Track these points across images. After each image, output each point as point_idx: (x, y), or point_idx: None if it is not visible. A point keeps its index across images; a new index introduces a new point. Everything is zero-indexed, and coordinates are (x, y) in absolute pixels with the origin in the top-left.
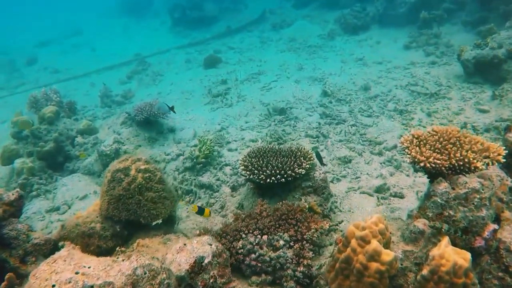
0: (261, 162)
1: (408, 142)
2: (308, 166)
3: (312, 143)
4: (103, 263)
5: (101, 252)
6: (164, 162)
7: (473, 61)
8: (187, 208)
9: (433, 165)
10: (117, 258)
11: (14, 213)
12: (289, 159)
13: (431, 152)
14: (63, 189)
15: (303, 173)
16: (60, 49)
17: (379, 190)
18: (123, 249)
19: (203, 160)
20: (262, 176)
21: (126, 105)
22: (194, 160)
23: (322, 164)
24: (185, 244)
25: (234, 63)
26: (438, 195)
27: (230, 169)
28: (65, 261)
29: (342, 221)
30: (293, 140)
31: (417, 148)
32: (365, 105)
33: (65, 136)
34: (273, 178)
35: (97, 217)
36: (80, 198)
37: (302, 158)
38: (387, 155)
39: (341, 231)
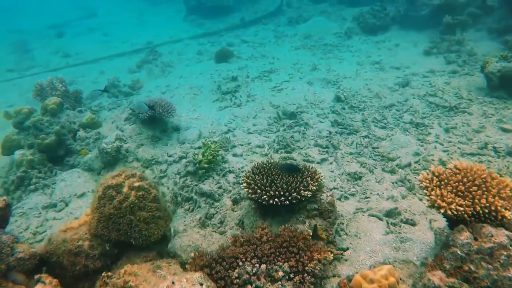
0: (264, 180)
1: (427, 181)
2: (314, 188)
3: (321, 154)
4: None
5: (87, 272)
6: (166, 163)
7: (498, 74)
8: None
9: (455, 212)
10: None
11: (0, 223)
12: (295, 179)
13: (453, 196)
14: (62, 185)
15: (309, 195)
16: (73, 32)
17: (389, 214)
18: (109, 274)
19: (206, 165)
20: (265, 196)
21: (133, 96)
22: (197, 165)
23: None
24: (173, 283)
25: (246, 58)
26: (458, 246)
27: (234, 177)
28: None
29: (348, 248)
30: (301, 148)
31: (438, 189)
32: (379, 115)
33: (67, 129)
34: (276, 199)
35: (85, 233)
36: (78, 195)
37: (309, 179)
38: (400, 174)
39: (346, 260)
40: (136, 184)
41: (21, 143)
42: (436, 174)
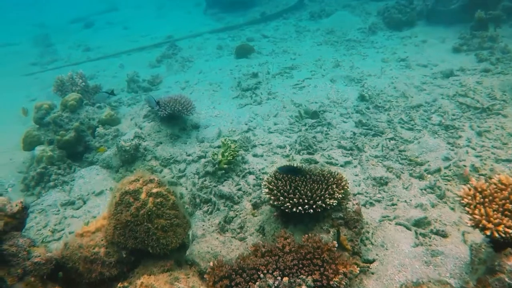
0: (288, 187)
1: (469, 197)
2: (340, 196)
3: (345, 156)
4: None
5: (103, 280)
6: (185, 163)
7: None
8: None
9: (503, 235)
10: None
11: (17, 226)
12: (320, 186)
13: (500, 215)
14: (80, 182)
15: (334, 204)
16: (95, 26)
17: (418, 223)
18: (125, 284)
19: (225, 166)
20: (288, 204)
21: (152, 92)
22: (216, 166)
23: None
24: None
25: (267, 54)
26: (506, 272)
27: (254, 179)
28: None
29: (374, 260)
30: (324, 150)
31: (482, 208)
32: (406, 116)
33: (86, 125)
34: (300, 208)
35: (101, 240)
36: (96, 193)
37: (334, 186)
38: (429, 180)
39: (373, 273)
40: (154, 190)
41: (41, 138)
42: (479, 189)
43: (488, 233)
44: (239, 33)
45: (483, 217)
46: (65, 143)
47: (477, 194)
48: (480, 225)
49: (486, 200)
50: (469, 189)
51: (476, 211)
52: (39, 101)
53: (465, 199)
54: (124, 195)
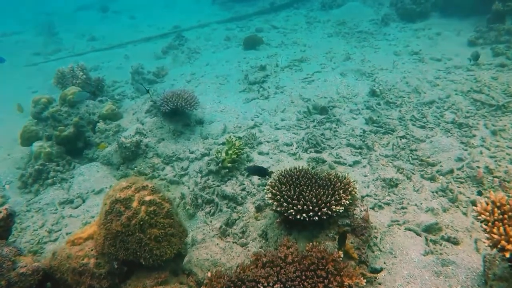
0: (292, 192)
1: (487, 213)
2: (347, 202)
3: (354, 155)
4: None
5: None
6: (188, 160)
7: None
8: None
9: None
10: None
11: (1, 234)
12: (326, 191)
13: None
14: (80, 179)
15: (341, 211)
16: (100, 15)
17: (428, 229)
18: None
19: (229, 165)
20: (291, 211)
21: (157, 84)
22: (220, 164)
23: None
24: None
25: (276, 45)
26: None
27: (258, 179)
28: None
29: (382, 269)
30: (332, 148)
31: (501, 226)
32: (418, 113)
33: (86, 120)
34: (304, 215)
35: (91, 250)
36: (96, 192)
37: (341, 191)
38: (441, 182)
39: (380, 284)
40: (147, 198)
41: (40, 134)
42: (498, 203)
43: (507, 255)
44: (248, 24)
45: (502, 236)
46: (64, 139)
47: (496, 209)
48: (499, 246)
49: (506, 216)
50: (487, 204)
51: (495, 230)
52: (37, 95)
53: (483, 215)
54: (114, 204)
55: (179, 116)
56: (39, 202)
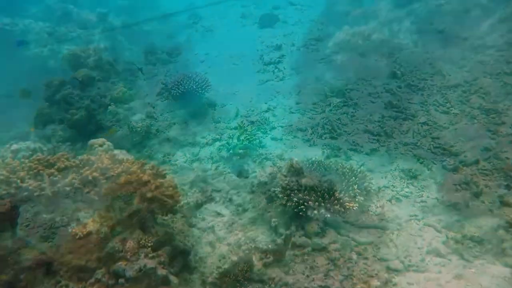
0: (303, 187)
1: None
2: (362, 198)
3: (372, 142)
4: None
5: None
6: (199, 146)
7: None
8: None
9: None
10: None
11: (6, 226)
12: (339, 187)
13: None
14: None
15: (355, 208)
16: None
17: (449, 226)
18: None
19: (240, 151)
20: (302, 207)
21: (171, 64)
22: (231, 151)
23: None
24: None
25: (292, 23)
26: None
27: (271, 166)
28: None
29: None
30: (349, 134)
31: None
32: (441, 97)
33: (98, 103)
34: (315, 211)
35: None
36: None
37: (355, 186)
38: (464, 174)
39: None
40: None
41: (53, 117)
42: None
43: None
44: (265, 0)
45: None
46: (76, 122)
47: None
48: None
49: None
50: None
51: None
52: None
53: None
54: None
55: (190, 99)
56: None
